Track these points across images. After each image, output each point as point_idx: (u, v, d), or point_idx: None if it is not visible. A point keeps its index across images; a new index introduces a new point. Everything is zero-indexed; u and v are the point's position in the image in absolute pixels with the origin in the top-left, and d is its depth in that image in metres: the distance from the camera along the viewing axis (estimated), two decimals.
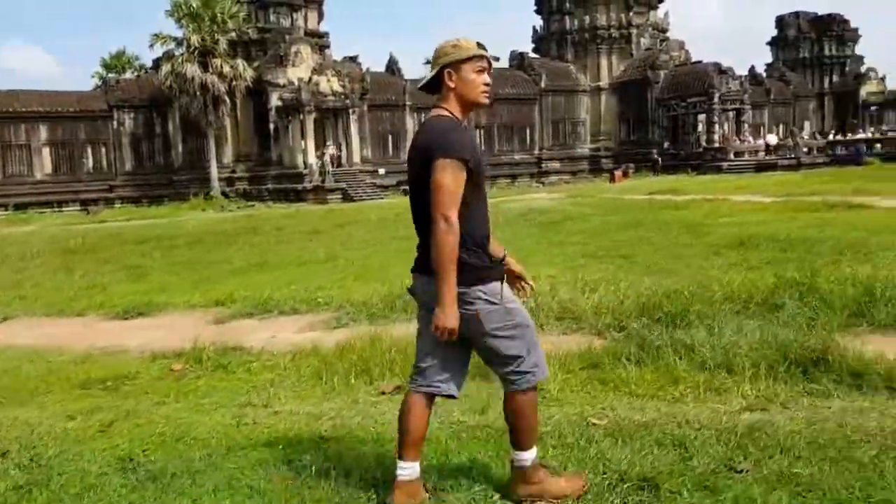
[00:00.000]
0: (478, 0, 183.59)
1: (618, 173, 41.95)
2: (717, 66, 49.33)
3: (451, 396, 3.01)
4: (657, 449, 3.31)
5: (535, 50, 57.17)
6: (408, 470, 2.90)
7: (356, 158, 43.00)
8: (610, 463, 3.15)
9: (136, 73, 48.50)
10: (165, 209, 34.88)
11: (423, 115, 50.66)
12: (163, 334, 7.22)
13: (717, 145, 47.00)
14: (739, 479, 2.97)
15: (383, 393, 4.64)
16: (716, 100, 47.71)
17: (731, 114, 49.79)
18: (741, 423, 3.65)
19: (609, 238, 13.18)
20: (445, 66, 2.89)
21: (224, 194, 40.69)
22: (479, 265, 2.83)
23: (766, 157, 45.08)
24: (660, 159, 48.81)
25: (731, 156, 45.55)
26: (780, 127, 57.04)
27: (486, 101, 2.95)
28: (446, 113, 2.90)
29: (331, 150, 41.39)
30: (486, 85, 2.93)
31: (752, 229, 12.55)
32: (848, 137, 50.30)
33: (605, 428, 3.67)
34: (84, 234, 20.90)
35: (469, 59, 2.88)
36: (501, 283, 2.89)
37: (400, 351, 5.22)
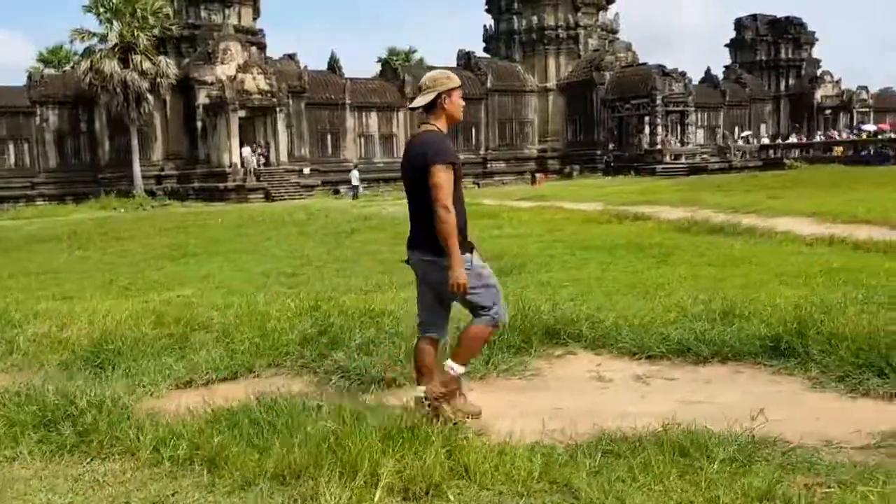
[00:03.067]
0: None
1: (539, 176, 41.58)
2: (661, 68, 48.74)
3: (442, 337, 4.12)
4: None
5: (485, 49, 56.55)
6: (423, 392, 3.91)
7: (283, 157, 42.54)
8: None
9: (63, 69, 48.18)
10: (67, 209, 34.57)
11: (364, 113, 50.22)
12: None
13: (658, 147, 46.42)
14: None
15: None
16: (658, 102, 47.13)
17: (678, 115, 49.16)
18: None
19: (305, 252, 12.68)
20: (442, 93, 3.84)
21: (151, 193, 40.27)
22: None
23: (700, 161, 44.50)
24: (612, 162, 48.16)
25: (668, 158, 44.97)
26: (754, 128, 56.25)
27: (461, 118, 4.00)
28: (434, 128, 3.86)
29: (252, 152, 40.87)
30: (463, 106, 3.98)
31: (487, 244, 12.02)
32: (786, 142, 49.59)
33: None
34: None
35: (457, 87, 3.91)
36: (471, 254, 3.83)
37: None
